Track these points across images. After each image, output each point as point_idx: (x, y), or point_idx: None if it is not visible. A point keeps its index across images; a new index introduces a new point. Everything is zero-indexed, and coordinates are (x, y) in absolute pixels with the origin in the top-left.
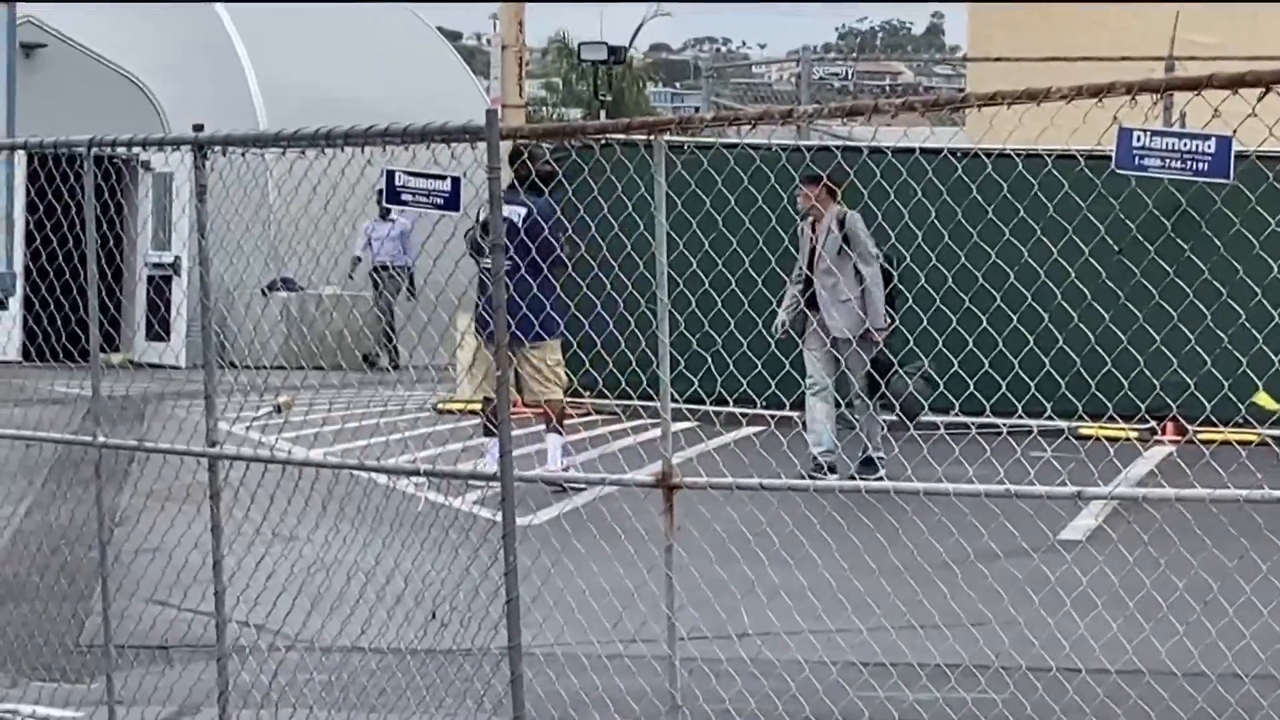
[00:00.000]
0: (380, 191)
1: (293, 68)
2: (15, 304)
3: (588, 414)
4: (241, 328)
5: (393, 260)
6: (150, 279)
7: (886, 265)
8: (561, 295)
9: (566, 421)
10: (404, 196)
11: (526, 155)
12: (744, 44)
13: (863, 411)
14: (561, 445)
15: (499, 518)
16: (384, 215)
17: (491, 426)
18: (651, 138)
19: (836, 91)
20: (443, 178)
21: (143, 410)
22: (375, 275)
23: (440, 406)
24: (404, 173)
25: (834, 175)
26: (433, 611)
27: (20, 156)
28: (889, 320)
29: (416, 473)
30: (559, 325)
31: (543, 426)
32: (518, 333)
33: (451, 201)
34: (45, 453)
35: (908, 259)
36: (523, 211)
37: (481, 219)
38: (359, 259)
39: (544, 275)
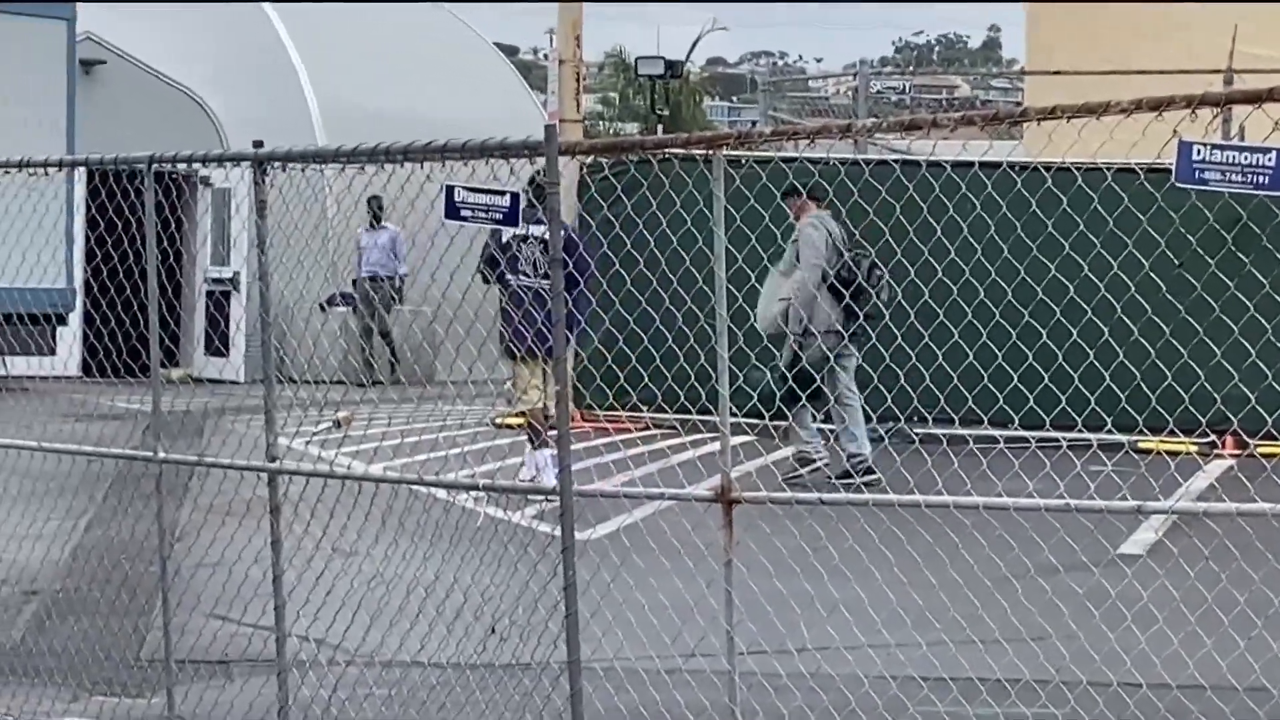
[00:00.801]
0: (370, 199)
1: (350, 83)
2: (75, 319)
3: (646, 428)
4: (301, 343)
5: (383, 270)
6: (209, 294)
7: (850, 271)
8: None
9: (625, 435)
10: (463, 212)
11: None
12: (800, 58)
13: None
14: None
15: (558, 532)
16: (375, 223)
17: (534, 437)
18: (710, 152)
19: (893, 105)
20: (501, 193)
21: (202, 425)
22: (366, 285)
23: (499, 421)
24: (463, 188)
25: (811, 189)
26: (492, 626)
27: (80, 173)
28: (840, 327)
29: (476, 487)
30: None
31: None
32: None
33: (511, 217)
34: (106, 468)
35: (866, 262)
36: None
37: (505, 238)
38: (355, 275)
39: (579, 291)
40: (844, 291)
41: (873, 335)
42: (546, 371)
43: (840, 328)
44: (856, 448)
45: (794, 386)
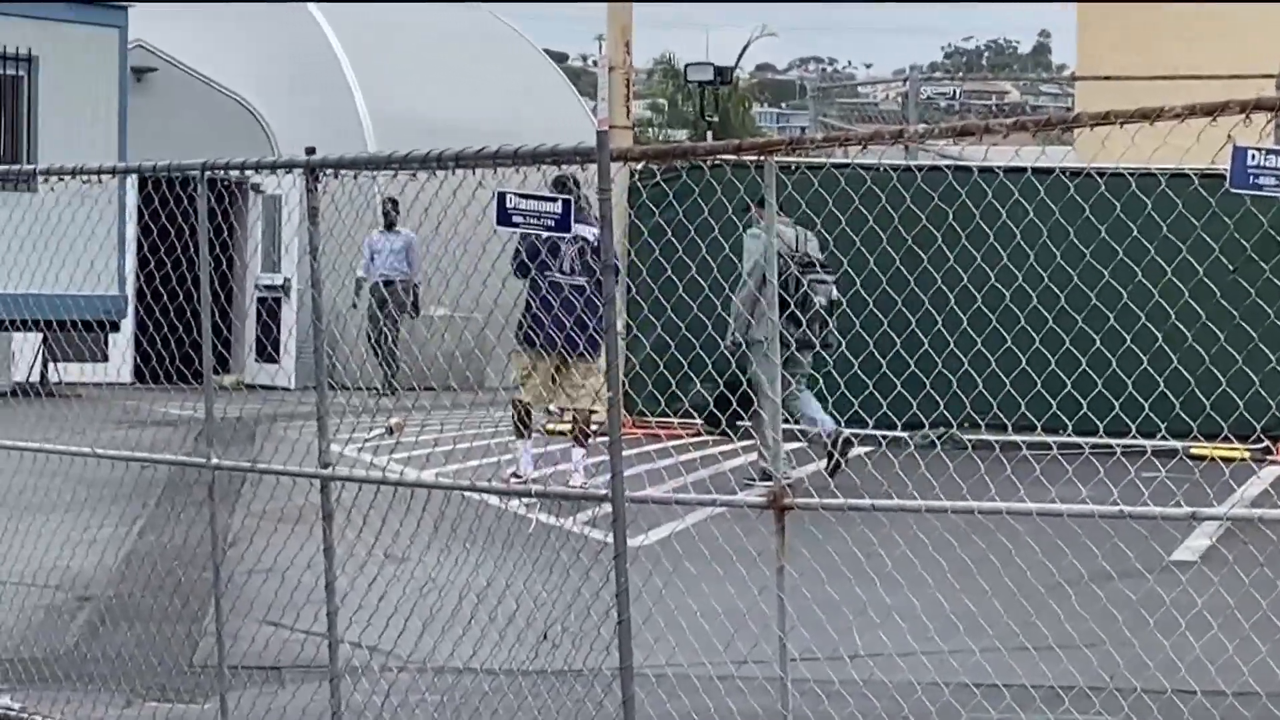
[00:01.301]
0: (385, 201)
1: (400, 90)
2: (128, 326)
3: (697, 434)
4: (354, 350)
5: (397, 275)
6: (261, 301)
7: (796, 280)
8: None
9: (677, 441)
10: (515, 219)
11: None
12: (850, 64)
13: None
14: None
15: (610, 538)
16: (388, 226)
17: (523, 429)
18: (763, 159)
19: (943, 111)
20: (554, 199)
21: (254, 432)
22: (383, 289)
23: (550, 428)
24: (515, 194)
25: (759, 200)
26: (544, 632)
27: (132, 180)
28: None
29: (528, 493)
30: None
31: (573, 449)
32: (578, 347)
33: (563, 223)
34: (158, 474)
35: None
36: (596, 231)
37: (543, 238)
38: (363, 278)
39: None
40: (797, 296)
41: (816, 344)
42: (569, 372)
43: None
44: (824, 428)
45: (737, 395)
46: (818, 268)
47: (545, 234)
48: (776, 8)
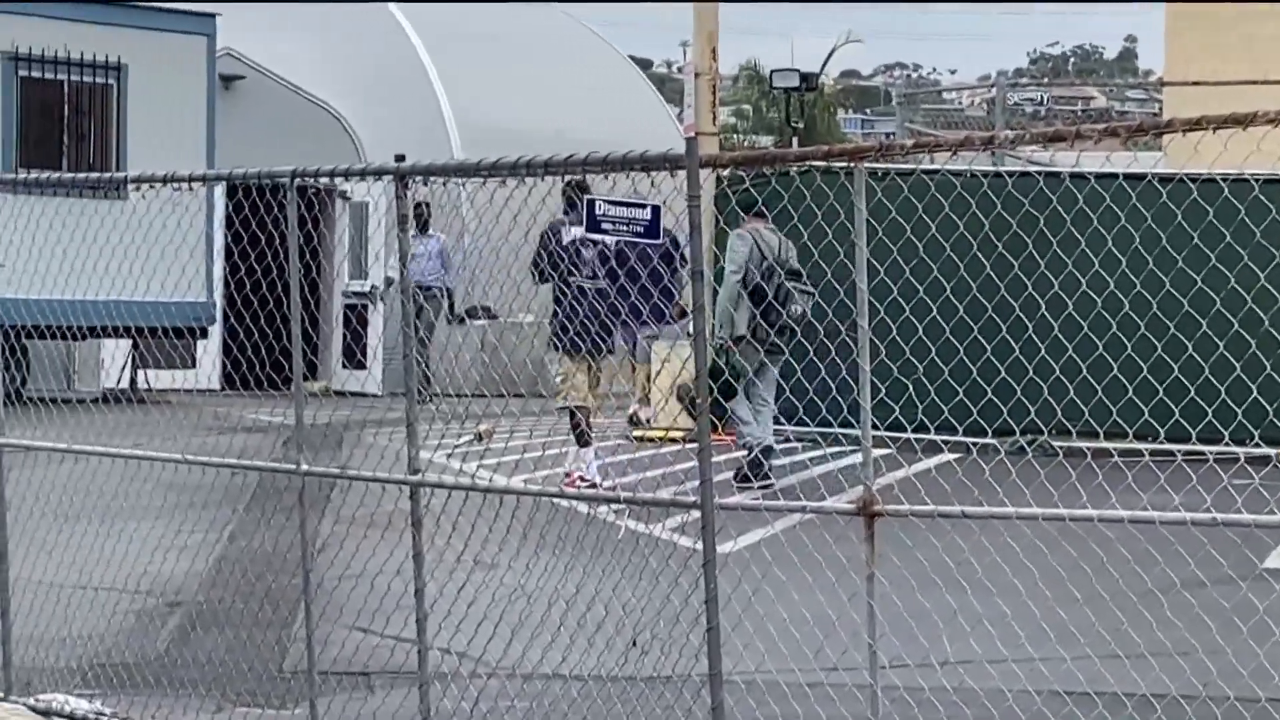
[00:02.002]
0: (418, 204)
1: (485, 96)
2: (216, 333)
3: (786, 441)
4: (443, 355)
5: (432, 279)
6: (350, 307)
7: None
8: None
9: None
10: (604, 225)
11: (577, 183)
12: (935, 70)
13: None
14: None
15: (699, 545)
16: (423, 230)
17: (584, 436)
18: (852, 165)
19: (1028, 116)
20: (643, 205)
21: (341, 438)
22: (417, 295)
23: (638, 434)
24: (604, 201)
25: (747, 206)
26: (633, 639)
27: (220, 187)
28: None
29: (616, 500)
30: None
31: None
32: (603, 349)
33: (652, 229)
34: (248, 480)
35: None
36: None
37: (567, 240)
38: (391, 279)
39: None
40: (766, 301)
41: (785, 348)
42: (599, 370)
43: (757, 335)
44: (752, 436)
45: (719, 391)
46: (800, 277)
47: (565, 239)
48: (862, 14)
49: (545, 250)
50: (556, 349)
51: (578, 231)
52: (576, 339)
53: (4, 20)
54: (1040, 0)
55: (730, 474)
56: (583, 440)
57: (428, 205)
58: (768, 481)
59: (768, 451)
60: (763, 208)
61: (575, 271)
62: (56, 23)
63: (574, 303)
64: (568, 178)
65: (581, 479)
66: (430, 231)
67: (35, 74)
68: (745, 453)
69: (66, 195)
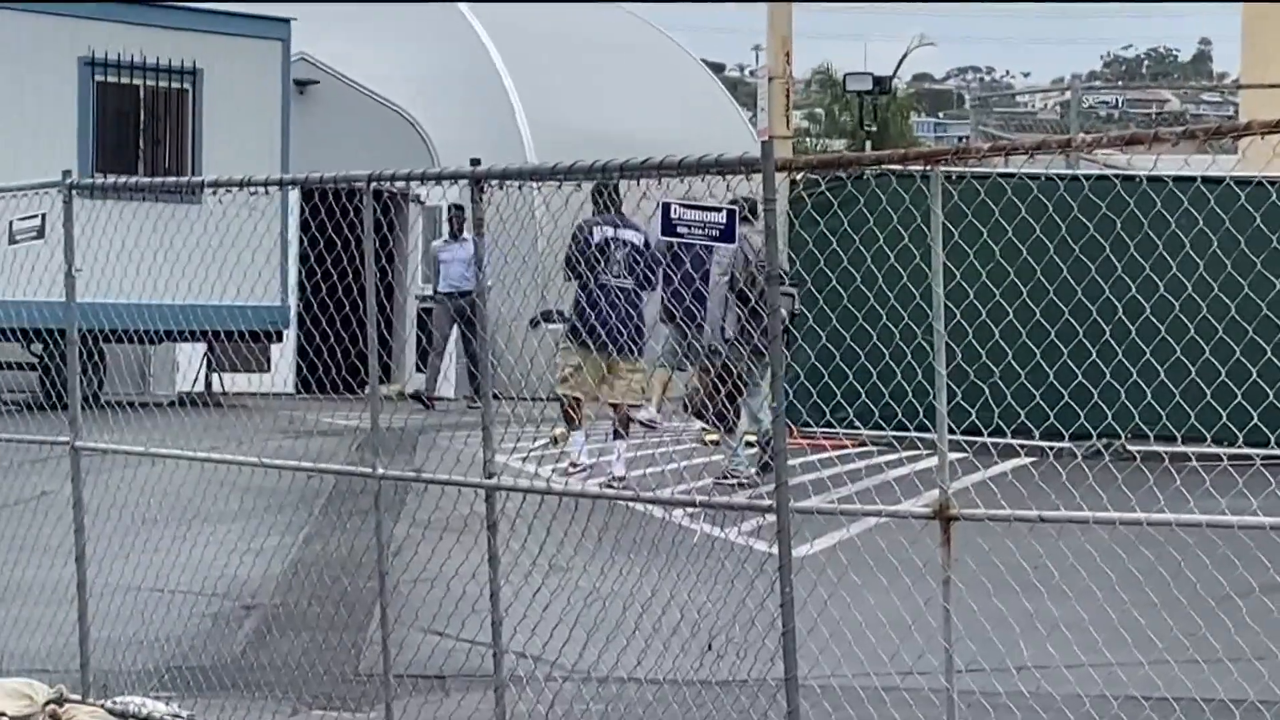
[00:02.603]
0: (452, 207)
1: (559, 100)
2: (290, 336)
3: (862, 445)
4: (518, 360)
5: (468, 285)
6: (426, 310)
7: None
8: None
9: (841, 452)
10: (679, 229)
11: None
12: (1008, 73)
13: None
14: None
15: (774, 549)
16: (454, 234)
17: (572, 420)
18: (928, 168)
19: (1102, 119)
20: (718, 209)
21: (416, 442)
22: (448, 302)
23: (711, 438)
24: (680, 205)
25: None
26: (708, 642)
27: (295, 191)
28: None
29: (691, 503)
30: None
31: (615, 439)
32: (624, 347)
33: (727, 233)
34: (324, 483)
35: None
36: (642, 236)
37: (598, 239)
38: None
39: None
40: (752, 304)
41: (764, 351)
42: (616, 369)
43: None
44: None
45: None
46: (783, 279)
47: (596, 238)
48: (935, 17)
49: (576, 249)
50: (571, 341)
51: (608, 231)
52: (586, 332)
53: (80, 26)
54: (1118, 0)
55: (804, 477)
56: (572, 425)
57: (460, 209)
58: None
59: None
60: (747, 213)
61: (603, 270)
62: (132, 28)
63: (596, 300)
64: (597, 184)
65: (573, 464)
66: (464, 235)
67: (111, 79)
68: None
69: (143, 200)
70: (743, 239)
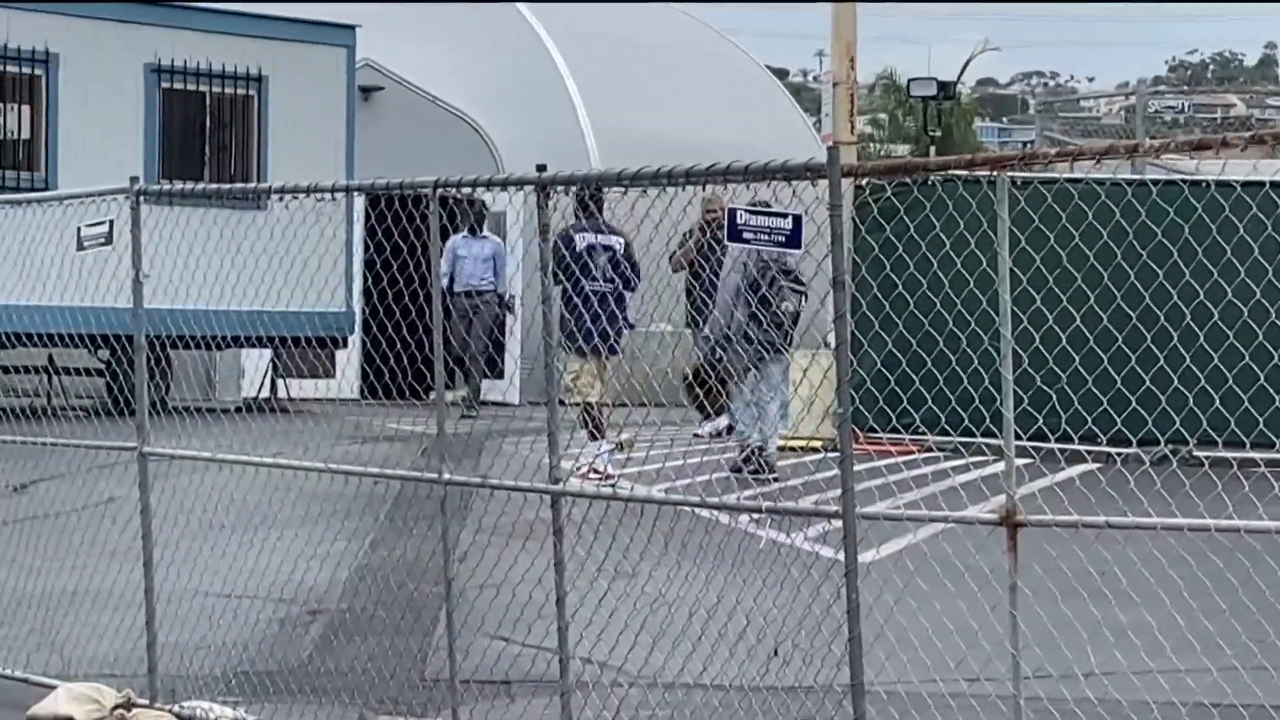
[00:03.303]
0: (472, 203)
1: (622, 105)
2: (355, 342)
3: (928, 450)
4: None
5: (484, 284)
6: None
7: (756, 285)
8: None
9: (907, 457)
10: (745, 234)
11: (589, 192)
12: (1072, 78)
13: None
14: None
15: (840, 555)
16: (474, 231)
17: (596, 432)
18: (995, 173)
19: (1167, 124)
20: (784, 215)
21: (481, 447)
22: (463, 301)
23: (793, 445)
24: (746, 210)
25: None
26: (775, 648)
27: (361, 198)
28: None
29: (757, 509)
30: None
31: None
32: (611, 346)
33: (793, 239)
34: (389, 489)
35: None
36: (622, 242)
37: (580, 246)
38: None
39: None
40: (760, 297)
41: (772, 345)
42: (607, 368)
43: (753, 335)
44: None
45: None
46: (791, 277)
47: (578, 246)
48: (999, 22)
49: (559, 257)
50: (567, 350)
51: (590, 238)
52: (579, 338)
53: (146, 32)
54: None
55: (870, 483)
56: (595, 433)
57: (484, 204)
58: (761, 475)
59: (760, 450)
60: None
61: (587, 275)
62: (198, 35)
63: (584, 306)
64: (575, 191)
65: (594, 470)
66: (484, 234)
67: (178, 85)
68: (739, 450)
69: (209, 206)
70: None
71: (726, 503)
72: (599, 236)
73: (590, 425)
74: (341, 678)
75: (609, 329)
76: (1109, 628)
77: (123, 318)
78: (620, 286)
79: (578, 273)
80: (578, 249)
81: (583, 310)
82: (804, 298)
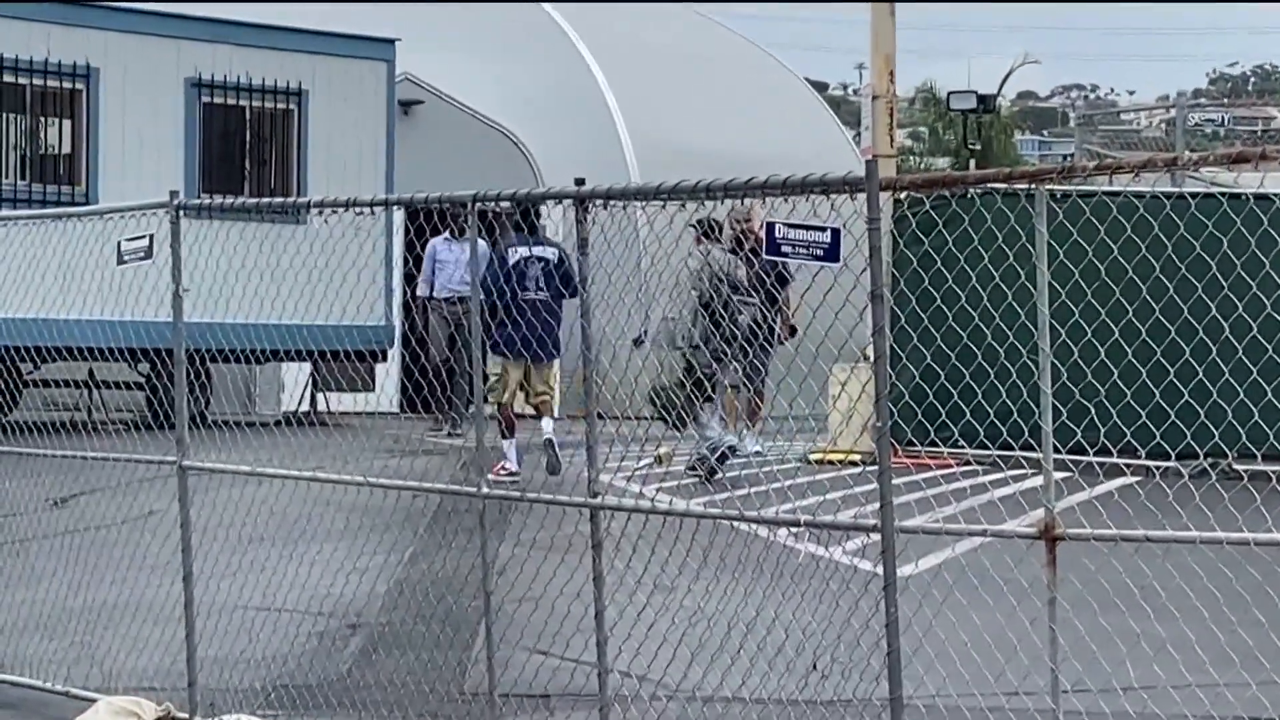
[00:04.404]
0: (462, 205)
1: (660, 117)
2: (394, 355)
3: (967, 464)
4: (623, 379)
5: (464, 289)
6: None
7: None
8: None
9: (946, 471)
10: (784, 248)
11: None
12: (1112, 90)
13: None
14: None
15: (879, 569)
16: (455, 234)
17: (507, 431)
18: (1033, 187)
19: (1208, 137)
20: (823, 229)
21: (520, 461)
22: (444, 308)
23: (816, 457)
24: (784, 224)
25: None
26: (813, 662)
27: (400, 212)
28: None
29: (796, 523)
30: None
31: (542, 420)
32: (550, 352)
33: (831, 253)
34: (428, 503)
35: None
36: (556, 253)
37: (514, 259)
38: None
39: (563, 307)
40: (715, 314)
41: (731, 355)
42: (537, 373)
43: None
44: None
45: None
46: (743, 291)
47: (512, 259)
48: (1039, 33)
49: (491, 271)
50: (494, 353)
51: (523, 251)
52: (505, 344)
53: (186, 47)
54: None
55: (909, 496)
56: (507, 433)
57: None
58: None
59: (732, 450)
60: (710, 229)
61: (520, 285)
62: (238, 49)
63: (516, 314)
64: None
65: (504, 469)
66: (466, 238)
67: (218, 100)
68: (709, 453)
69: (249, 220)
70: (708, 255)
71: (765, 517)
72: (534, 249)
73: (502, 425)
74: (380, 691)
75: (545, 336)
76: (1148, 641)
77: (163, 331)
78: (552, 297)
79: (514, 284)
80: (510, 263)
81: (514, 319)
82: (757, 309)
